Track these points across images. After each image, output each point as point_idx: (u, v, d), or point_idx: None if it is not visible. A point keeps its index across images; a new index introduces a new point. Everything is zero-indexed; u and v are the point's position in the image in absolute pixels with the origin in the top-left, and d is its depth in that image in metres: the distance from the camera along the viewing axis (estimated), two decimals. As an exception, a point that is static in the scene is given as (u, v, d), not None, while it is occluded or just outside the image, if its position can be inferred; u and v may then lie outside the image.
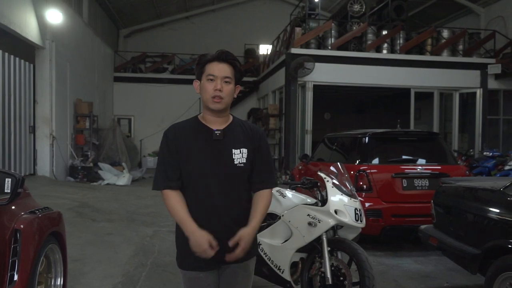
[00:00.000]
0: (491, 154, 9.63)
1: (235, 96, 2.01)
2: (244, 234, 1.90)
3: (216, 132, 1.95)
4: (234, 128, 2.00)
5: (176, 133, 1.97)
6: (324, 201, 3.20)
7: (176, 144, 1.95)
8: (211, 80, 1.92)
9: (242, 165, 1.95)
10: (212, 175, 1.92)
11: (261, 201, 1.99)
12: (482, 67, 12.24)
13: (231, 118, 2.04)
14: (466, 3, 15.29)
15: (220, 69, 1.92)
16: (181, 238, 1.96)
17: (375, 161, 5.53)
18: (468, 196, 3.64)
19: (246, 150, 1.97)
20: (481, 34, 13.76)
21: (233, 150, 1.95)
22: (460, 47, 12.85)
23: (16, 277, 2.29)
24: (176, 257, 2.05)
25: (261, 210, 1.97)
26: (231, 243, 1.89)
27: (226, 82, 1.93)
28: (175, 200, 1.93)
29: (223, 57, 1.94)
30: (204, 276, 1.96)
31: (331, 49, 11.97)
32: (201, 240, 1.84)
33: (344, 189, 3.24)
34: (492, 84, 12.36)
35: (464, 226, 3.56)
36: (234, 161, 1.94)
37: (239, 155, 1.96)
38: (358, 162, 5.45)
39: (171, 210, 1.93)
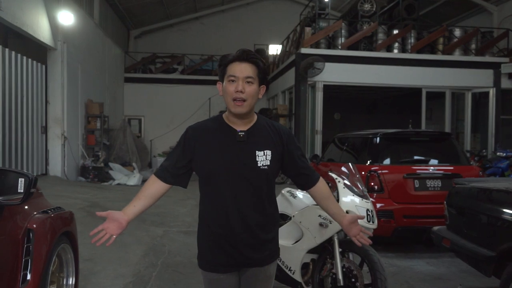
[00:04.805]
0: (504, 154, 9.47)
1: (260, 96, 1.92)
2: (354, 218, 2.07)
3: (239, 133, 1.89)
4: (259, 128, 1.94)
5: (196, 132, 1.93)
6: (335, 202, 3.17)
7: (193, 143, 1.91)
8: (232, 81, 1.84)
9: (266, 167, 1.89)
10: (235, 176, 1.87)
11: (326, 193, 2.08)
12: (495, 66, 12.07)
13: (255, 118, 1.97)
14: (478, 2, 15.07)
15: (241, 69, 1.84)
16: (201, 238, 1.96)
17: (386, 161, 5.49)
18: (482, 197, 3.58)
19: (270, 152, 1.91)
20: (494, 33, 13.57)
21: (256, 151, 1.89)
22: (473, 46, 12.68)
23: (29, 277, 2.31)
24: (197, 257, 2.01)
25: (332, 200, 2.10)
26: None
27: (248, 82, 1.85)
28: (148, 184, 1.97)
29: (245, 56, 1.85)
30: (225, 277, 1.92)
31: (341, 49, 11.90)
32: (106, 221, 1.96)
33: (356, 190, 3.20)
34: (506, 83, 12.18)
35: (478, 228, 3.50)
36: (257, 163, 1.88)
37: (263, 157, 1.89)
38: (369, 162, 5.41)
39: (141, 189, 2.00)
